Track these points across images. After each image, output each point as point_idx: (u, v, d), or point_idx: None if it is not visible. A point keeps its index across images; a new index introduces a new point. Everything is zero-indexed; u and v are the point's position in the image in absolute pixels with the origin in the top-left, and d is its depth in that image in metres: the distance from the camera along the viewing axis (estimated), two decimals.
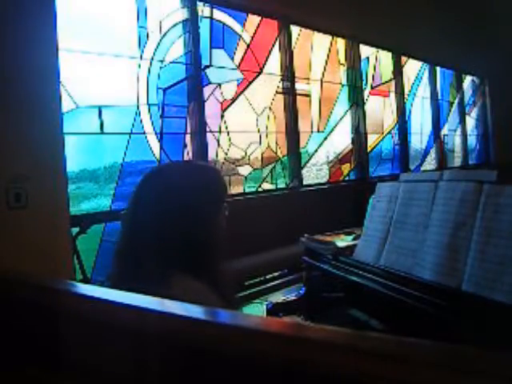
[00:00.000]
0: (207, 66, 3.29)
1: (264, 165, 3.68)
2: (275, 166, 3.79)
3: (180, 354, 0.56)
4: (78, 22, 2.53)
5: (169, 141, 3.02)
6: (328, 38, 4.41)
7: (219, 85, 3.37)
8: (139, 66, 2.88)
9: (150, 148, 2.91)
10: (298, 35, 4.07)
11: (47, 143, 2.18)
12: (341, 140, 4.52)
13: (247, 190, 3.53)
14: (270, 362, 0.47)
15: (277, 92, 3.84)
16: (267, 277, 3.27)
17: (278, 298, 1.96)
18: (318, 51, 4.29)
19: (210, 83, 3.31)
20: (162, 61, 3.01)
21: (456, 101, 6.71)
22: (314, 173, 4.19)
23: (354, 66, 4.63)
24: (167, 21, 3.05)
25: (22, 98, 2.08)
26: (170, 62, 3.07)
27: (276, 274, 3.30)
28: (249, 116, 3.59)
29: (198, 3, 3.21)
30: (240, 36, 3.56)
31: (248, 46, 3.60)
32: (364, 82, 4.78)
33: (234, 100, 3.48)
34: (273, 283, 3.22)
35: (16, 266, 1.62)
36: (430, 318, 1.16)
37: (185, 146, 3.12)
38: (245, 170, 3.54)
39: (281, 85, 3.87)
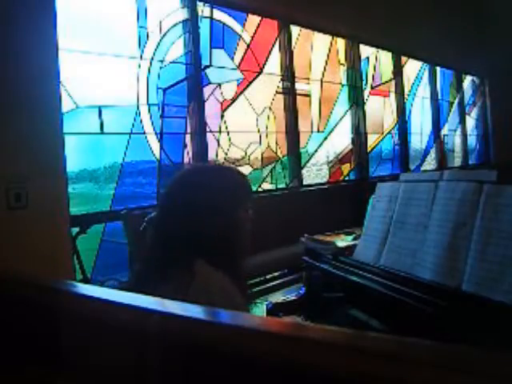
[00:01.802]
0: (207, 66, 3.29)
1: (264, 165, 3.68)
2: (275, 165, 3.79)
3: (180, 353, 0.56)
4: (78, 22, 2.53)
5: (169, 141, 3.02)
6: (328, 37, 4.41)
7: (219, 85, 3.37)
8: (139, 65, 2.88)
9: (150, 148, 2.91)
10: (298, 35, 4.07)
11: (47, 143, 2.18)
12: (341, 140, 4.52)
13: None
14: (270, 362, 0.47)
15: (277, 92, 3.84)
16: (267, 277, 3.27)
17: (278, 298, 1.96)
18: (317, 51, 4.28)
19: (210, 83, 3.31)
20: (162, 61, 3.01)
21: (456, 101, 6.70)
22: (314, 173, 4.18)
23: (354, 66, 4.63)
24: (167, 21, 3.05)
25: (22, 98, 2.08)
26: (170, 62, 3.07)
27: (276, 273, 3.30)
28: (249, 116, 3.59)
29: (198, 3, 3.21)
30: (240, 36, 3.56)
31: (248, 45, 3.60)
32: (364, 82, 4.78)
33: (234, 100, 3.48)
34: (273, 283, 3.21)
35: (16, 265, 1.62)
36: (430, 317, 1.16)
37: (185, 146, 3.12)
38: (245, 170, 3.53)
39: (281, 85, 3.87)
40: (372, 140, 4.88)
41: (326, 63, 4.37)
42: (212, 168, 1.45)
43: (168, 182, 1.18)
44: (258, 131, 3.66)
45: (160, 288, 0.95)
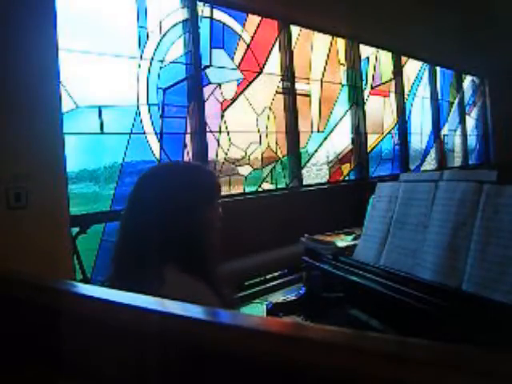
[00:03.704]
0: (207, 66, 3.29)
1: (264, 165, 3.68)
2: (275, 166, 3.79)
3: (180, 354, 0.56)
4: (78, 22, 2.53)
5: (169, 141, 3.02)
6: (328, 37, 4.41)
7: (219, 85, 3.37)
8: (139, 65, 2.88)
9: (150, 148, 2.91)
10: (298, 35, 4.07)
11: (47, 143, 2.18)
12: (341, 140, 4.52)
13: (247, 190, 3.53)
14: (270, 362, 0.47)
15: (277, 92, 3.84)
16: (267, 277, 3.27)
17: (278, 298, 1.96)
18: (317, 51, 4.29)
19: (210, 83, 3.31)
20: (162, 61, 3.01)
21: (456, 101, 6.71)
22: (314, 173, 4.19)
23: (354, 66, 4.63)
24: (167, 21, 3.05)
25: (22, 98, 2.08)
26: (170, 62, 3.07)
27: (276, 274, 3.30)
28: (249, 116, 3.59)
29: (198, 3, 3.21)
30: (240, 36, 3.56)
31: (248, 46, 3.60)
32: (364, 82, 4.79)
33: (234, 100, 3.48)
34: (273, 283, 3.22)
35: (16, 265, 1.62)
36: (429, 317, 1.16)
37: (185, 146, 3.12)
38: (245, 170, 3.54)
39: (281, 85, 3.87)
40: (372, 140, 4.88)
41: (326, 63, 4.37)
42: (179, 166, 1.39)
43: (135, 180, 1.13)
44: (258, 131, 3.66)
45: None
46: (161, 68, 3.01)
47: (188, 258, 1.02)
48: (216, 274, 1.07)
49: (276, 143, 3.80)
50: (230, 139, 3.43)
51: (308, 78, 4.17)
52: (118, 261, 1.08)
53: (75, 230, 2.43)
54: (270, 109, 3.77)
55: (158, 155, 2.94)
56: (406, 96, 5.48)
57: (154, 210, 1.03)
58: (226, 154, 3.40)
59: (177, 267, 1.00)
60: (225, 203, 1.24)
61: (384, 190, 1.60)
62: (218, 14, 3.39)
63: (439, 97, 6.23)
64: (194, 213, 1.06)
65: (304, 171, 4.02)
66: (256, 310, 2.76)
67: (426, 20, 5.12)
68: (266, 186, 3.70)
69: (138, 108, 2.85)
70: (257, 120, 3.65)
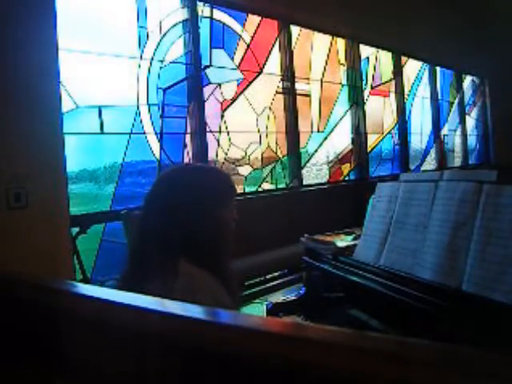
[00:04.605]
0: (207, 66, 3.29)
1: (264, 165, 3.68)
2: (275, 166, 3.79)
3: (180, 354, 0.56)
4: (78, 22, 2.53)
5: (169, 141, 3.02)
6: (328, 38, 4.41)
7: (219, 85, 3.37)
8: (139, 66, 2.88)
9: (150, 148, 2.91)
10: (298, 35, 4.07)
11: (47, 143, 2.18)
12: (341, 140, 4.52)
13: (247, 190, 3.53)
14: (270, 362, 0.47)
15: (277, 92, 3.84)
16: (267, 277, 3.27)
17: (278, 298, 1.96)
18: (317, 51, 4.29)
19: (210, 83, 3.31)
20: (162, 61, 3.01)
21: (456, 101, 6.70)
22: (314, 173, 4.19)
23: (354, 66, 4.63)
24: (167, 21, 3.05)
25: (22, 98, 2.09)
26: (170, 62, 3.07)
27: (276, 274, 3.30)
28: (249, 116, 3.59)
29: (198, 3, 3.21)
30: (240, 36, 3.56)
31: (248, 46, 3.60)
32: (364, 82, 4.79)
33: (234, 100, 3.48)
34: (273, 283, 3.22)
35: (16, 265, 1.62)
36: (430, 317, 1.16)
37: (185, 146, 3.12)
38: (245, 170, 3.54)
39: (281, 85, 3.87)
40: (372, 140, 4.88)
41: (326, 63, 4.37)
42: (195, 168, 1.44)
43: (152, 182, 1.19)
44: (258, 131, 3.66)
45: (146, 288, 0.95)
46: (161, 68, 3.01)
47: (200, 255, 1.06)
48: (228, 271, 1.11)
49: (276, 143, 3.80)
50: (230, 139, 3.43)
51: (308, 78, 4.17)
52: (134, 259, 1.11)
53: (75, 230, 2.43)
54: (270, 109, 3.77)
55: (157, 155, 2.94)
56: (405, 96, 5.48)
57: (168, 211, 1.07)
58: (226, 154, 3.40)
59: (189, 262, 1.04)
60: None
61: (384, 190, 1.60)
62: (218, 14, 3.39)
63: (439, 97, 6.23)
64: (208, 214, 1.10)
65: (304, 171, 4.02)
66: (256, 310, 2.75)
67: (426, 20, 5.12)
68: (266, 186, 3.70)
69: (138, 108, 2.85)
70: (257, 120, 3.65)
